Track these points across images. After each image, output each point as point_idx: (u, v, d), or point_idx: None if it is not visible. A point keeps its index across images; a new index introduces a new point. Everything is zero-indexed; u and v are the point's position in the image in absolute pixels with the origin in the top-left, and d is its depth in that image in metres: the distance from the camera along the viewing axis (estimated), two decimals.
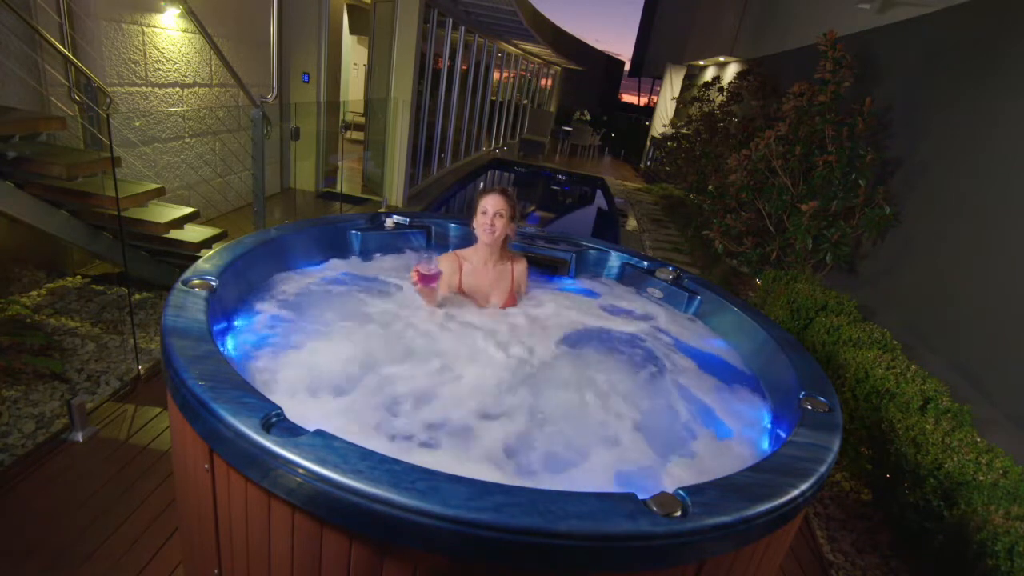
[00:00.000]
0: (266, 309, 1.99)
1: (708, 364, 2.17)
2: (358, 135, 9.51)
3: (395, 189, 7.26)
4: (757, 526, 1.17)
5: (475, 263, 2.30)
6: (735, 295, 2.48)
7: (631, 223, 8.42)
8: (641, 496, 1.13)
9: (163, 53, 4.48)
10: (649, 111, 21.31)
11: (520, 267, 2.40)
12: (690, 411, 1.83)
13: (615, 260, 2.81)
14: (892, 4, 4.98)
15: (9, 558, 1.87)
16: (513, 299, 2.35)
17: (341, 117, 7.89)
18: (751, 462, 1.34)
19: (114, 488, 2.19)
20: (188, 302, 1.59)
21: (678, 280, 2.60)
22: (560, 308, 2.38)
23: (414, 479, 1.07)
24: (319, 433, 1.16)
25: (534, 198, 11.69)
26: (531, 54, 15.90)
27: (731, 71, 10.61)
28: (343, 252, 2.55)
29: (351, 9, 8.60)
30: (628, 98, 35.57)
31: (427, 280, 1.99)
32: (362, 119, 8.84)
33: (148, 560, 1.92)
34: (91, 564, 1.88)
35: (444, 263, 2.30)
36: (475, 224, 2.25)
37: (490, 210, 2.19)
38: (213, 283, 1.74)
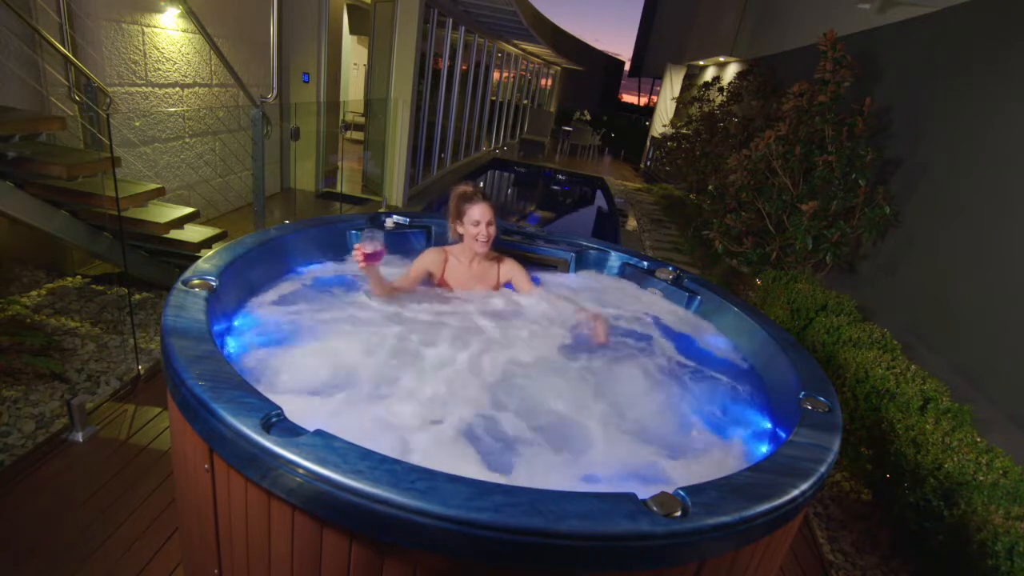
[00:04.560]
0: (266, 309, 1.99)
1: (708, 364, 2.16)
2: (358, 135, 9.51)
3: (395, 189, 7.26)
4: (757, 526, 1.17)
5: (461, 260, 2.35)
6: (735, 295, 2.48)
7: (631, 223, 8.43)
8: (641, 496, 1.13)
9: (163, 53, 4.48)
10: (649, 111, 21.32)
11: (508, 267, 2.43)
12: (689, 411, 1.83)
13: (615, 260, 2.81)
14: (892, 4, 4.98)
15: (9, 558, 1.87)
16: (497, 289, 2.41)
17: (341, 117, 7.89)
18: (751, 462, 1.34)
19: (114, 488, 2.19)
20: (188, 302, 1.59)
21: (678, 280, 2.60)
22: (559, 307, 2.38)
23: (414, 479, 1.07)
24: (319, 433, 1.16)
25: (534, 198, 11.69)
26: (531, 54, 15.91)
27: (731, 71, 10.61)
28: (343, 252, 2.55)
29: (351, 9, 8.60)
30: (628, 98, 35.61)
31: (371, 259, 1.93)
32: (362, 119, 8.84)
33: (148, 560, 1.92)
34: (91, 564, 1.88)
35: (430, 256, 2.35)
36: (463, 231, 2.27)
37: (483, 221, 2.22)
38: (213, 283, 1.74)
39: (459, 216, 2.26)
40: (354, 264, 2.48)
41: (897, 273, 4.24)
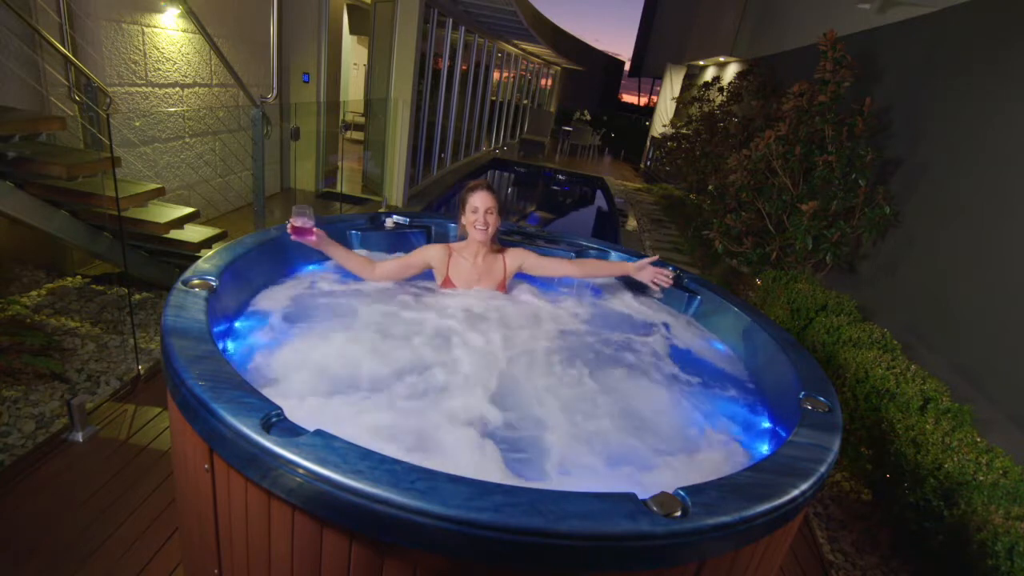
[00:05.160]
0: (266, 309, 1.99)
1: (708, 364, 2.17)
2: (358, 135, 9.51)
3: (395, 189, 7.26)
4: (757, 526, 1.17)
5: (465, 257, 2.33)
6: (735, 295, 2.48)
7: (631, 223, 8.42)
8: (641, 496, 1.13)
9: (163, 53, 4.48)
10: (649, 111, 21.32)
11: (513, 256, 2.39)
12: (689, 411, 1.83)
13: (615, 260, 2.81)
14: (892, 4, 4.98)
15: (9, 558, 1.87)
16: (503, 289, 2.38)
17: (341, 117, 7.89)
18: (751, 462, 1.34)
19: (114, 488, 2.19)
20: (188, 302, 1.59)
21: (678, 280, 2.60)
22: (558, 307, 2.38)
23: (414, 479, 1.07)
24: (319, 433, 1.16)
25: (534, 198, 11.70)
26: (531, 54, 15.91)
27: (731, 71, 10.61)
28: None
29: (351, 9, 8.60)
30: (628, 98, 35.64)
31: (300, 233, 2.02)
32: (362, 119, 8.84)
33: (148, 560, 1.92)
34: (91, 564, 1.88)
35: (434, 251, 2.34)
36: (465, 222, 2.28)
37: (481, 207, 2.21)
38: (213, 283, 1.74)
39: (462, 206, 2.26)
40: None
41: (897, 273, 4.24)
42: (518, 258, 2.40)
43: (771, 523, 1.20)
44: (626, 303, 2.56)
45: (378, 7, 7.07)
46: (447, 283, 2.33)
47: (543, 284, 2.60)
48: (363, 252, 2.56)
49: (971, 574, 2.08)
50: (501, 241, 2.69)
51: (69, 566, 1.86)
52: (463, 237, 2.36)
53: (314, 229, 2.05)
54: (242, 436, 1.14)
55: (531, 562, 1.06)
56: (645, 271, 2.37)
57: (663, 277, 2.35)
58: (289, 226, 2.04)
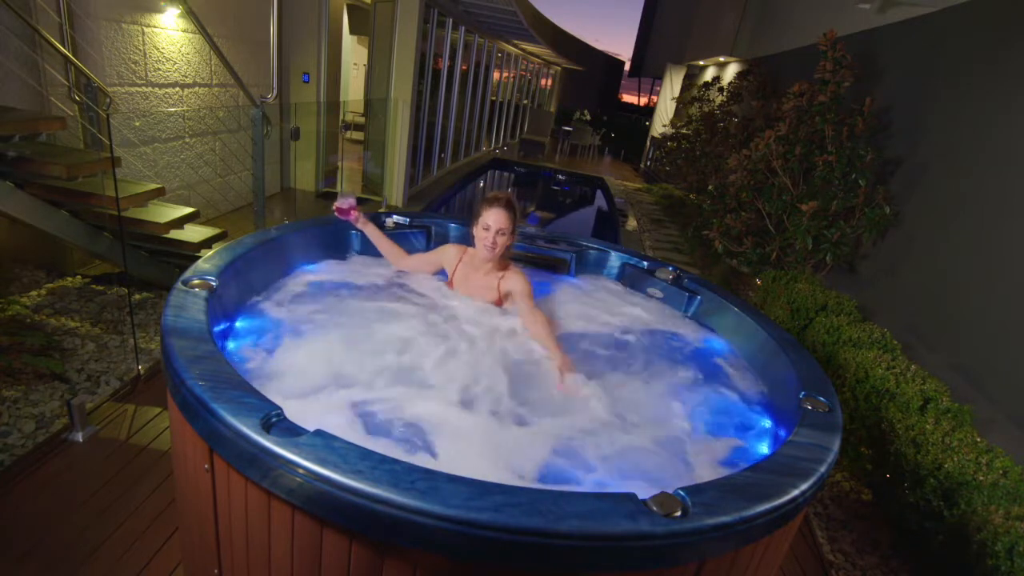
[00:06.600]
0: (266, 309, 1.99)
1: (708, 364, 2.16)
2: (358, 135, 9.51)
3: (395, 189, 7.26)
4: (757, 526, 1.17)
5: (470, 266, 2.31)
6: (735, 295, 2.48)
7: (631, 223, 8.42)
8: (641, 496, 1.13)
9: (163, 53, 4.48)
10: (649, 111, 21.32)
11: (508, 281, 2.22)
12: (689, 411, 1.83)
13: (615, 260, 2.81)
14: (892, 4, 4.98)
15: (9, 558, 1.87)
16: (500, 304, 2.28)
17: (341, 117, 7.89)
18: (751, 462, 1.34)
19: (114, 488, 2.19)
20: (188, 302, 1.59)
21: (678, 280, 2.60)
22: (559, 308, 2.38)
23: (414, 479, 1.07)
24: (319, 433, 1.16)
25: (534, 198, 11.69)
26: (531, 54, 15.91)
27: (731, 71, 10.61)
28: (343, 251, 2.55)
29: (351, 9, 8.60)
30: (628, 98, 35.65)
31: (343, 213, 2.31)
32: (362, 119, 8.84)
33: (148, 560, 1.92)
34: (91, 564, 1.88)
35: (449, 252, 2.36)
36: (475, 233, 2.19)
37: (493, 227, 2.11)
38: (213, 283, 1.74)
39: (476, 216, 2.18)
40: (353, 263, 2.51)
41: (897, 273, 4.24)
42: (508, 284, 2.23)
43: (771, 523, 1.20)
44: (626, 303, 2.56)
45: (378, 7, 7.07)
46: (451, 285, 2.34)
47: (545, 288, 2.59)
48: (357, 256, 2.59)
49: (971, 574, 2.08)
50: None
51: (69, 566, 1.86)
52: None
53: (352, 212, 2.31)
54: (242, 436, 1.14)
55: (531, 562, 1.06)
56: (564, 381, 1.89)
57: (568, 388, 1.86)
58: (334, 206, 2.30)
